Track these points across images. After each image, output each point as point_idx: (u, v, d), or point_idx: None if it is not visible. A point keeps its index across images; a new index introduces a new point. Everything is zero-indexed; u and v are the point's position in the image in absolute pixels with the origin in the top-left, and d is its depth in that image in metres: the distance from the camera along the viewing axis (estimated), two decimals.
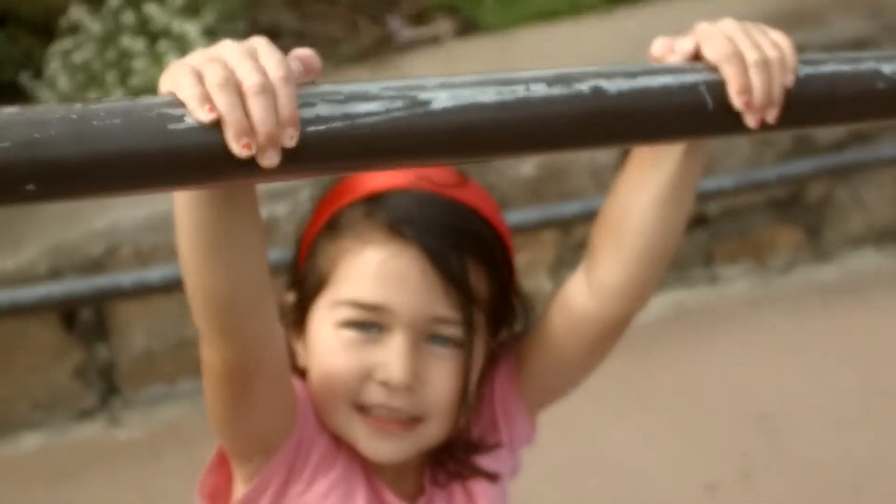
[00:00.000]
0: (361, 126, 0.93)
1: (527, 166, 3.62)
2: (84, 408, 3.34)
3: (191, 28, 3.70)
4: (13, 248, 3.12)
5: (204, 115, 0.88)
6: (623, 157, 1.35)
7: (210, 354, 1.21)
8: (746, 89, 1.05)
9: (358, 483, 1.40)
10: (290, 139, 0.90)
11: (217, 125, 0.88)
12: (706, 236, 4.02)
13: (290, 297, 1.43)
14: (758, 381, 3.49)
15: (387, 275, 1.33)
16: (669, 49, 1.11)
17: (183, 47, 3.68)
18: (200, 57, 0.93)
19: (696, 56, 1.10)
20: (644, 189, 1.27)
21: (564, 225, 3.59)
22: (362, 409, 1.35)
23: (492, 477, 1.45)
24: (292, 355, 1.41)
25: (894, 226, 4.39)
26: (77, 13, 3.81)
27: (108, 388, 3.37)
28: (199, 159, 0.89)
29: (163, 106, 0.89)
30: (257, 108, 0.89)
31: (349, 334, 1.34)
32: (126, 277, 2.90)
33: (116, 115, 0.86)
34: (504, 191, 3.55)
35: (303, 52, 0.96)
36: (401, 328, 1.33)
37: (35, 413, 3.29)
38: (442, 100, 0.97)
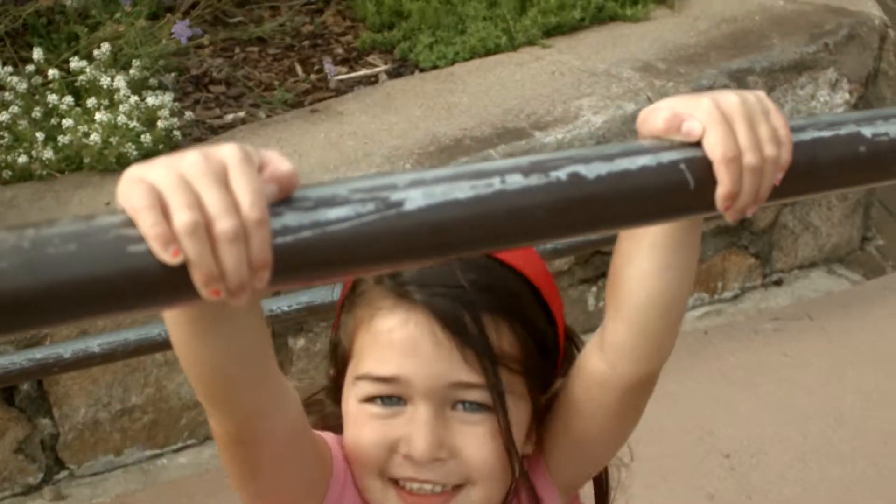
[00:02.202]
0: (332, 234, 0.87)
1: None
2: (29, 483, 3.25)
3: (119, 81, 3.61)
4: None
5: (169, 259, 0.80)
6: None
7: (214, 425, 1.19)
8: (734, 196, 1.00)
9: None
10: (260, 282, 0.83)
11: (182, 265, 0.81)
12: None
13: (331, 371, 1.41)
14: (718, 417, 3.45)
15: (396, 344, 1.28)
16: (676, 128, 1.02)
17: (112, 102, 3.59)
18: (163, 175, 0.83)
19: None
20: (641, 236, 1.21)
21: None
22: (397, 482, 1.32)
23: None
24: (340, 427, 1.37)
25: (844, 248, 4.39)
26: (0, 71, 3.70)
27: (52, 462, 3.27)
28: (164, 283, 0.82)
29: (120, 227, 0.82)
30: (229, 256, 0.81)
31: (372, 409, 1.31)
32: (66, 348, 2.79)
33: (71, 239, 0.80)
34: None
35: (279, 171, 0.86)
36: (421, 398, 1.29)
37: None
38: (415, 199, 0.91)
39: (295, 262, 0.87)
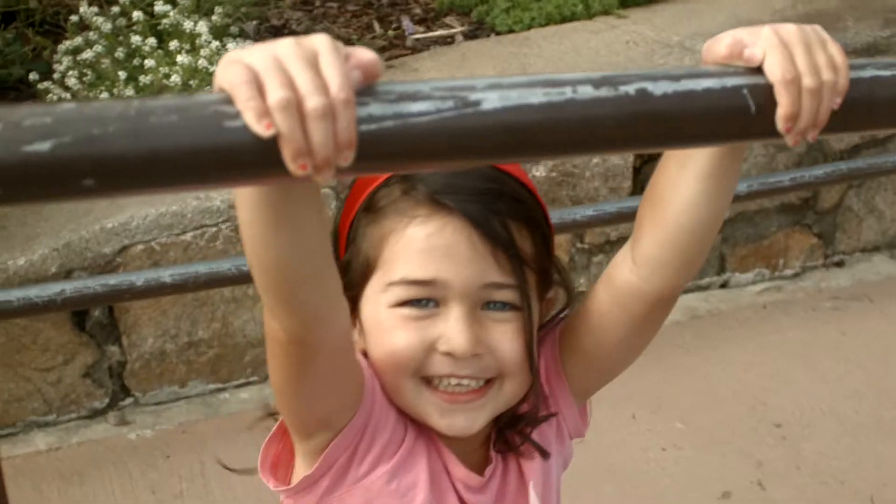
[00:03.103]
0: (413, 125, 0.93)
1: (539, 170, 3.62)
2: (95, 407, 3.34)
3: (201, 26, 3.69)
4: (25, 247, 3.11)
5: (262, 130, 0.87)
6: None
7: (273, 324, 1.21)
8: (794, 117, 1.05)
9: (421, 461, 1.41)
10: (345, 161, 0.89)
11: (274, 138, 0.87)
12: (719, 241, 4.01)
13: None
14: (771, 388, 3.49)
15: (435, 248, 1.35)
16: (739, 54, 1.08)
17: (194, 46, 3.67)
18: (259, 57, 0.90)
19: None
20: (690, 163, 1.27)
21: (577, 228, 3.58)
22: (430, 382, 1.38)
23: (544, 453, 1.48)
24: None
25: None
26: (86, 11, 3.80)
27: (118, 389, 3.36)
28: (255, 158, 0.89)
29: (218, 103, 0.88)
30: (317, 132, 0.88)
31: (406, 311, 1.36)
32: (138, 277, 2.88)
33: (173, 111, 0.86)
34: None
35: (364, 59, 0.93)
36: (456, 299, 1.36)
37: (46, 412, 3.29)
38: (491, 100, 0.97)
39: (377, 149, 0.93)
